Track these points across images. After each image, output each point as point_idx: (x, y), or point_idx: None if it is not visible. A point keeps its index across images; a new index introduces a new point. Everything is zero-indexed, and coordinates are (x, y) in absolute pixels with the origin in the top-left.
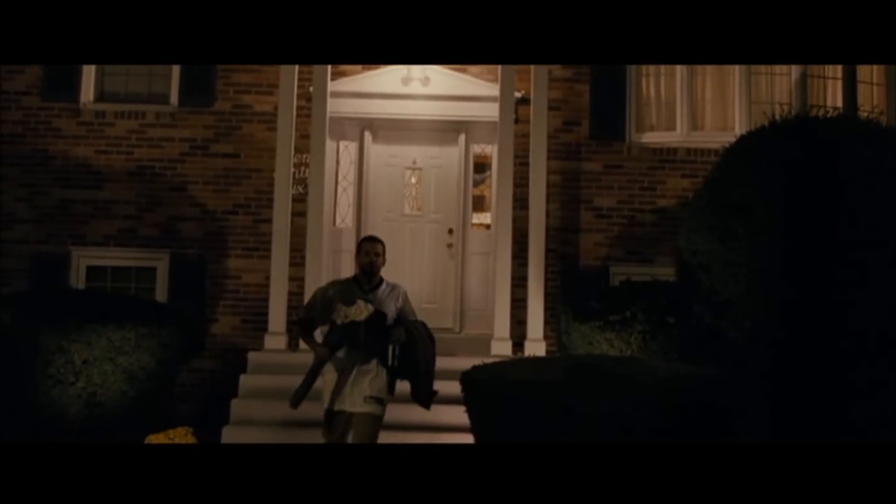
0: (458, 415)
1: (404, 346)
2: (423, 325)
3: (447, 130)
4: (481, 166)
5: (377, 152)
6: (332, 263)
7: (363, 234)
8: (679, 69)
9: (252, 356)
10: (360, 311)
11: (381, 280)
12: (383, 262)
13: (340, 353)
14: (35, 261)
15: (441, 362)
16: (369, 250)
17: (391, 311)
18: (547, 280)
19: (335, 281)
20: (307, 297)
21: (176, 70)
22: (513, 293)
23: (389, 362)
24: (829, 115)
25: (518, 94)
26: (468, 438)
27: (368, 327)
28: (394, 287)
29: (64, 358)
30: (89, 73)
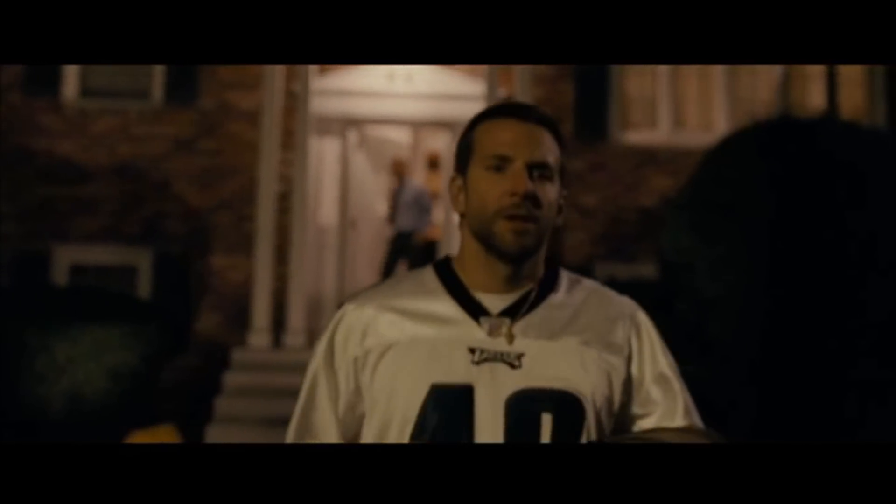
0: None
1: None
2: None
3: (432, 127)
4: None
5: (361, 150)
6: (317, 261)
7: (348, 231)
8: (661, 67)
9: (236, 354)
10: None
11: (556, 271)
12: (564, 202)
13: None
14: (17, 258)
15: None
16: (512, 149)
17: (600, 388)
18: None
19: (368, 298)
20: (292, 294)
21: (159, 67)
22: None
23: None
24: (811, 115)
25: (502, 93)
26: None
27: None
28: (607, 298)
29: (48, 356)
30: (72, 69)
